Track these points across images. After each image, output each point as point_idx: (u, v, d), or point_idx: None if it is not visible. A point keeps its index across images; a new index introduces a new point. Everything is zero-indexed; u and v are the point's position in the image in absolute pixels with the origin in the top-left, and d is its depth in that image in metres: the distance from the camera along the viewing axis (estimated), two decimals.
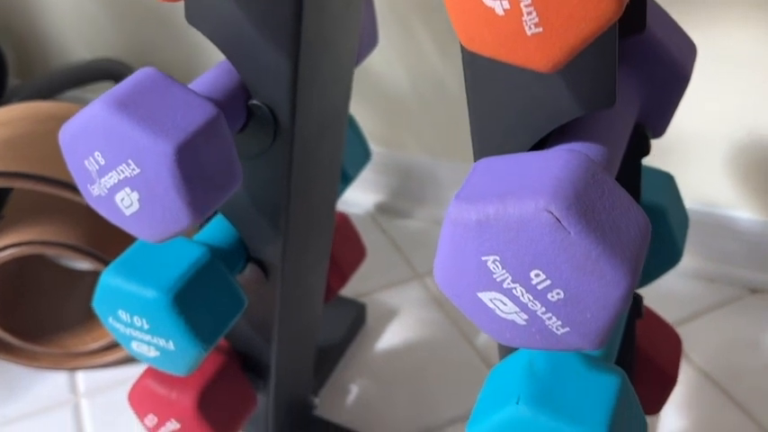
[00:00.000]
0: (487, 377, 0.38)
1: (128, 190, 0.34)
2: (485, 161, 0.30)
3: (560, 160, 0.28)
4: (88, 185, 0.35)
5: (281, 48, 0.37)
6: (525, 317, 0.28)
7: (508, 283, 0.27)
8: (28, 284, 0.81)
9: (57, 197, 0.71)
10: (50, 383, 0.76)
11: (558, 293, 0.27)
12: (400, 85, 0.91)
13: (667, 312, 0.63)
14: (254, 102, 0.40)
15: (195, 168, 0.33)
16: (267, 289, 0.51)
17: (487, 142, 0.33)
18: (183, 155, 0.32)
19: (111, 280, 0.42)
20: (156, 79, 0.35)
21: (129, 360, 0.76)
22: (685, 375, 0.75)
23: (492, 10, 0.24)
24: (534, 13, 0.24)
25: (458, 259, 0.28)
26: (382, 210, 1.01)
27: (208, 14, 0.38)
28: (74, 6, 1.06)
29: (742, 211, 0.83)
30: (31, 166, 0.63)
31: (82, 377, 0.77)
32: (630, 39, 0.38)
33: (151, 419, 0.53)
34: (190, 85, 0.38)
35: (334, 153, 0.49)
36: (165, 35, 1.03)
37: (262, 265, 0.49)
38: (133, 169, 0.33)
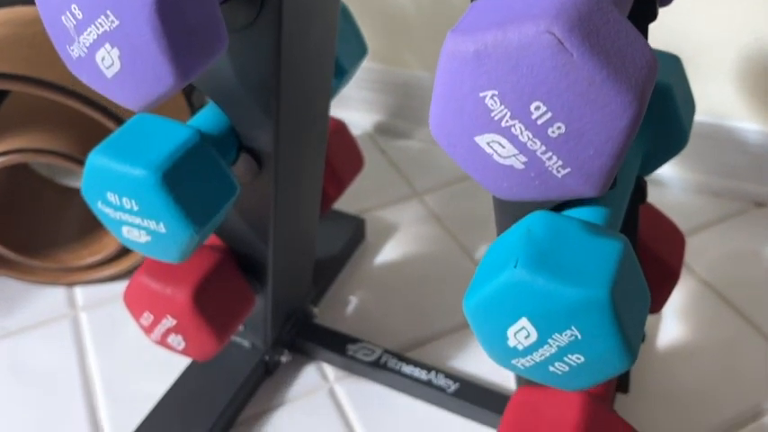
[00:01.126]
0: (486, 252, 0.37)
1: (108, 47, 0.32)
2: None
3: None
4: (67, 47, 0.33)
5: None
6: (524, 159, 0.27)
7: (507, 121, 0.26)
8: (24, 200, 0.80)
9: (47, 106, 0.70)
10: (49, 298, 0.76)
11: (558, 128, 0.25)
12: None
13: None
14: None
15: (177, 20, 0.31)
16: (261, 183, 0.50)
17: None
18: (163, 3, 0.30)
19: (97, 160, 0.41)
20: None
21: (126, 274, 0.76)
22: (687, 285, 0.74)
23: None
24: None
25: (454, 99, 0.26)
26: (381, 130, 0.99)
27: None
28: None
29: (749, 123, 0.81)
30: (18, 67, 0.61)
31: (80, 292, 0.76)
32: None
33: (147, 318, 0.53)
34: None
35: (325, 38, 0.47)
36: None
37: (255, 155, 0.48)
38: (112, 21, 0.31)
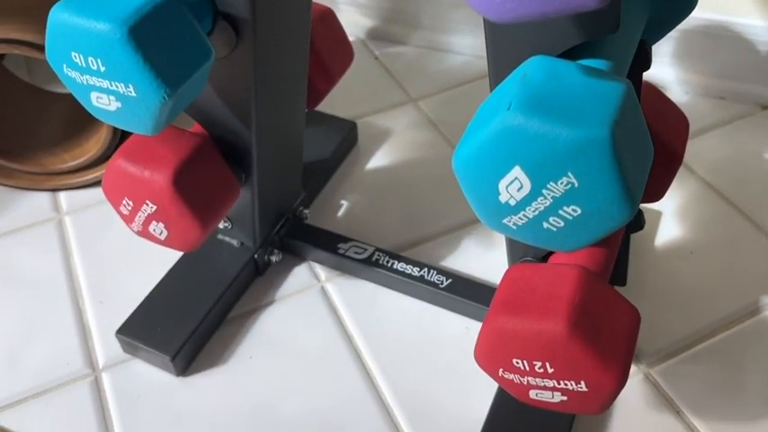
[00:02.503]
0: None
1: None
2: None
3: None
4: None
5: None
6: None
7: None
8: (2, 105, 0.77)
9: None
10: (33, 203, 0.74)
11: None
12: None
13: None
14: None
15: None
16: (240, 56, 0.47)
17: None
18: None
19: (59, 16, 0.37)
20: None
21: None
22: (689, 186, 0.72)
23: None
24: None
25: None
26: (374, 36, 0.95)
27: None
28: None
29: (755, 19, 0.77)
30: None
31: (64, 197, 0.74)
32: None
33: (126, 205, 0.51)
34: None
35: None
36: None
37: (232, 22, 0.45)
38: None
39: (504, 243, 0.50)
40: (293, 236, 0.65)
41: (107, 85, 0.38)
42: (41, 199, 0.74)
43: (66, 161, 0.73)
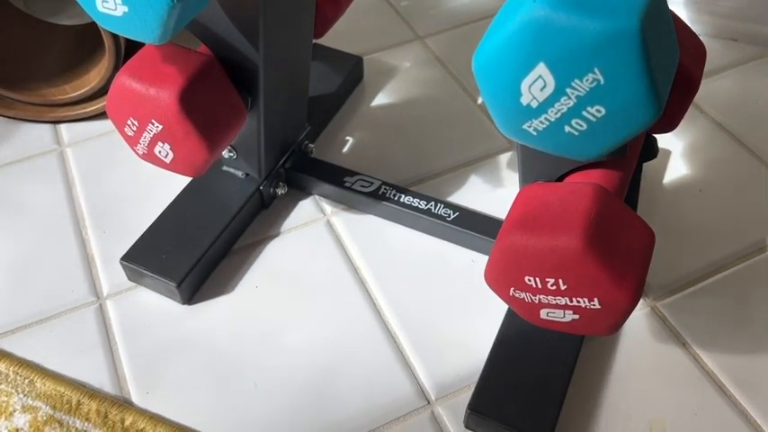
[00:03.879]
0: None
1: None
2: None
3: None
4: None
5: None
6: None
7: None
8: (2, 37, 0.75)
9: None
10: (34, 134, 0.73)
11: None
12: None
13: None
14: None
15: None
16: None
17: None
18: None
19: None
20: None
21: None
22: (699, 125, 0.71)
23: None
24: None
25: None
26: None
27: None
28: None
29: None
30: None
31: (65, 129, 0.73)
32: None
33: (131, 125, 0.49)
34: None
35: None
36: None
37: None
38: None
39: (517, 169, 0.49)
40: (299, 169, 0.64)
41: None
42: (42, 131, 0.73)
43: (67, 92, 0.72)
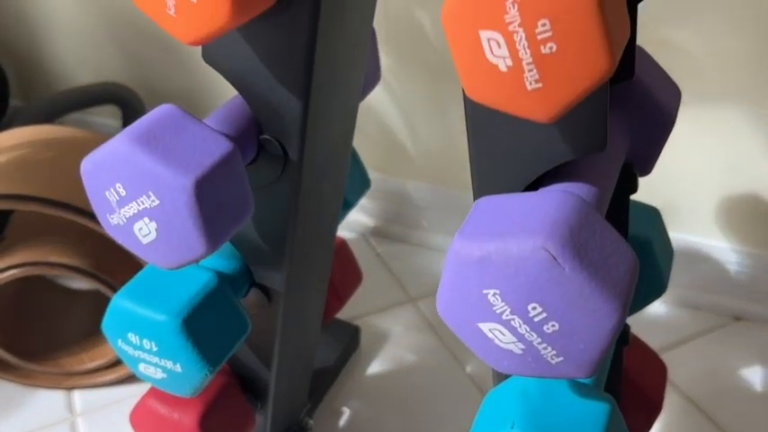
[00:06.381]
0: (482, 402, 0.40)
1: (146, 220, 0.35)
2: (485, 200, 0.32)
3: (555, 201, 0.30)
4: (107, 214, 0.37)
5: (294, 88, 0.39)
6: (522, 347, 0.30)
7: (507, 315, 0.29)
8: (26, 304, 0.82)
9: (57, 220, 0.73)
10: (47, 402, 0.77)
11: (553, 326, 0.29)
12: (397, 117, 0.94)
13: (653, 339, 0.65)
14: (266, 136, 0.42)
15: (211, 201, 0.34)
16: (269, 312, 0.53)
17: (487, 181, 0.35)
18: (201, 188, 0.34)
19: (122, 303, 0.43)
20: (174, 115, 0.37)
21: (126, 380, 0.77)
22: (670, 401, 0.77)
23: (496, 66, 0.26)
24: (535, 71, 0.26)
25: (460, 291, 0.30)
26: (377, 233, 1.03)
27: (224, 55, 0.40)
28: (78, 30, 1.08)
29: (725, 242, 0.86)
30: (38, 189, 0.64)
31: (78, 396, 0.77)
32: (620, 85, 0.40)
33: None
34: (205, 120, 0.40)
35: (337, 182, 0.51)
36: (168, 61, 1.05)
37: (264, 289, 0.51)
38: (153, 201, 0.35)
39: None
40: None
41: (156, 361, 0.44)
42: (56, 398, 0.77)
43: (84, 362, 0.77)
